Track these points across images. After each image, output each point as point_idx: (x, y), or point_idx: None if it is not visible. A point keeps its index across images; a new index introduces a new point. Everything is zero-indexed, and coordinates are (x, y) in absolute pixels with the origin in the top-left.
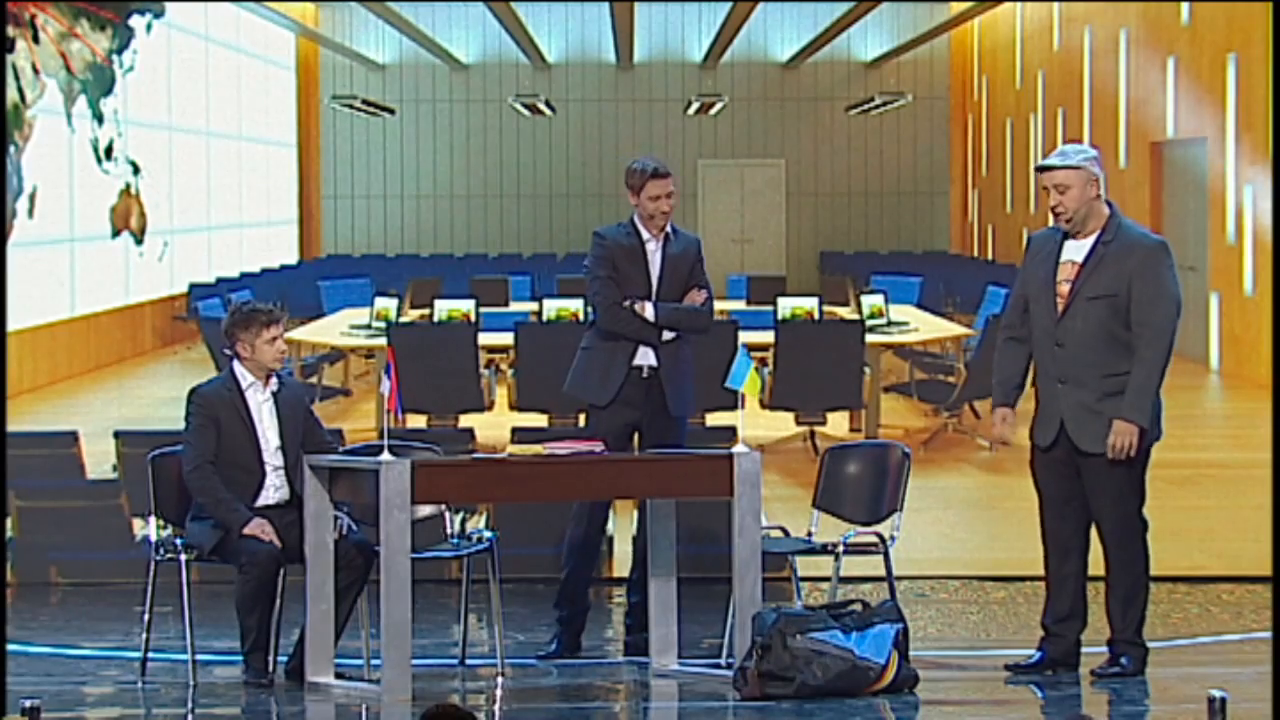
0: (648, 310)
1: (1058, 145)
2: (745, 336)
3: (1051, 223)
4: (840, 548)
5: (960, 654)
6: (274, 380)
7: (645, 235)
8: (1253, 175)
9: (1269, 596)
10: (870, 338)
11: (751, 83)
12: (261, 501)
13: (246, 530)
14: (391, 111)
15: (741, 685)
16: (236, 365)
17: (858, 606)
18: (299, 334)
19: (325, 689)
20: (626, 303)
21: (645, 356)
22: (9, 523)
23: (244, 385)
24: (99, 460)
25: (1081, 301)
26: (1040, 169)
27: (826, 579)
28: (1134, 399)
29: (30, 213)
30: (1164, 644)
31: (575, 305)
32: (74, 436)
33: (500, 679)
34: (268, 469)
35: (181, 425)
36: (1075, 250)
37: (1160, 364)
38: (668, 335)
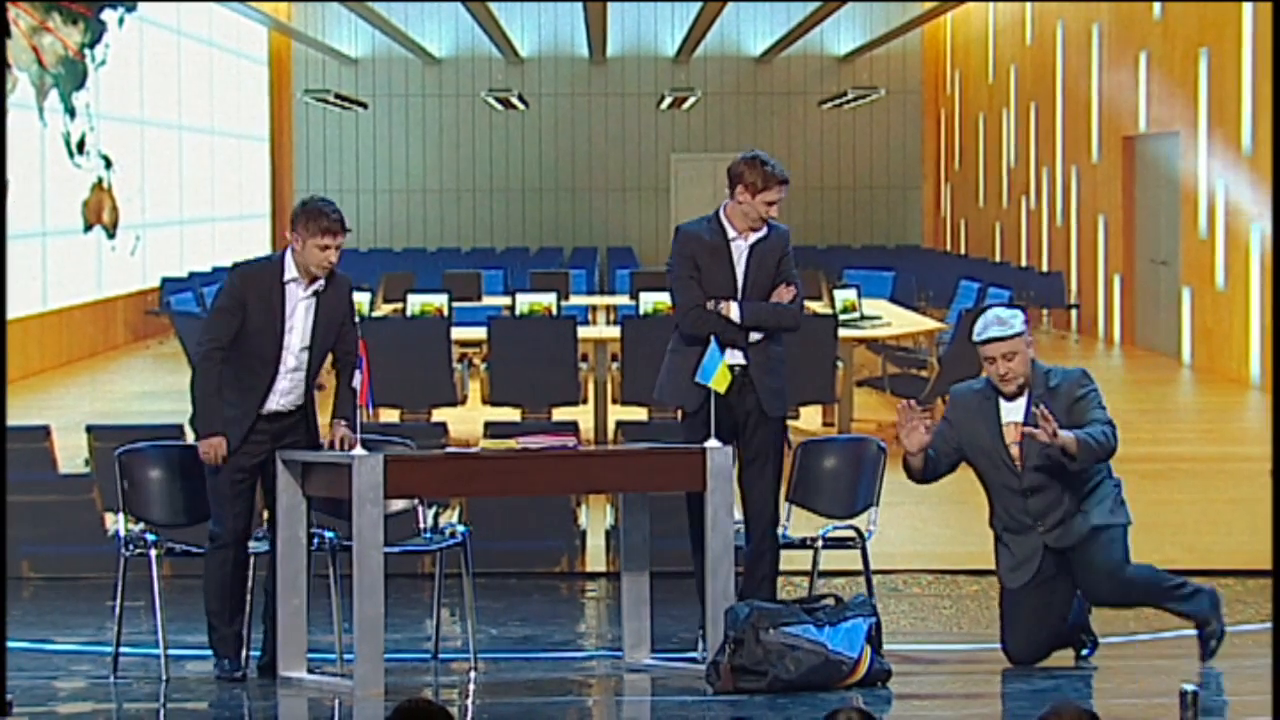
0: (733, 311)
1: (1030, 141)
2: None
3: (992, 381)
4: (819, 542)
5: (933, 648)
6: (320, 281)
7: (732, 233)
8: (1225, 170)
9: (1241, 590)
10: (843, 332)
11: (724, 77)
12: (270, 406)
13: (201, 447)
14: (364, 106)
15: (714, 680)
16: (288, 254)
17: (830, 601)
18: None
19: (298, 683)
20: (710, 304)
21: (734, 356)
22: None
23: (286, 277)
24: (71, 455)
25: (1037, 458)
26: (985, 341)
27: (799, 573)
28: (1082, 437)
29: None
30: (1136, 638)
31: (548, 299)
32: (46, 431)
33: (473, 673)
34: (283, 368)
35: (155, 420)
36: (1013, 410)
37: (1108, 449)
38: (755, 335)
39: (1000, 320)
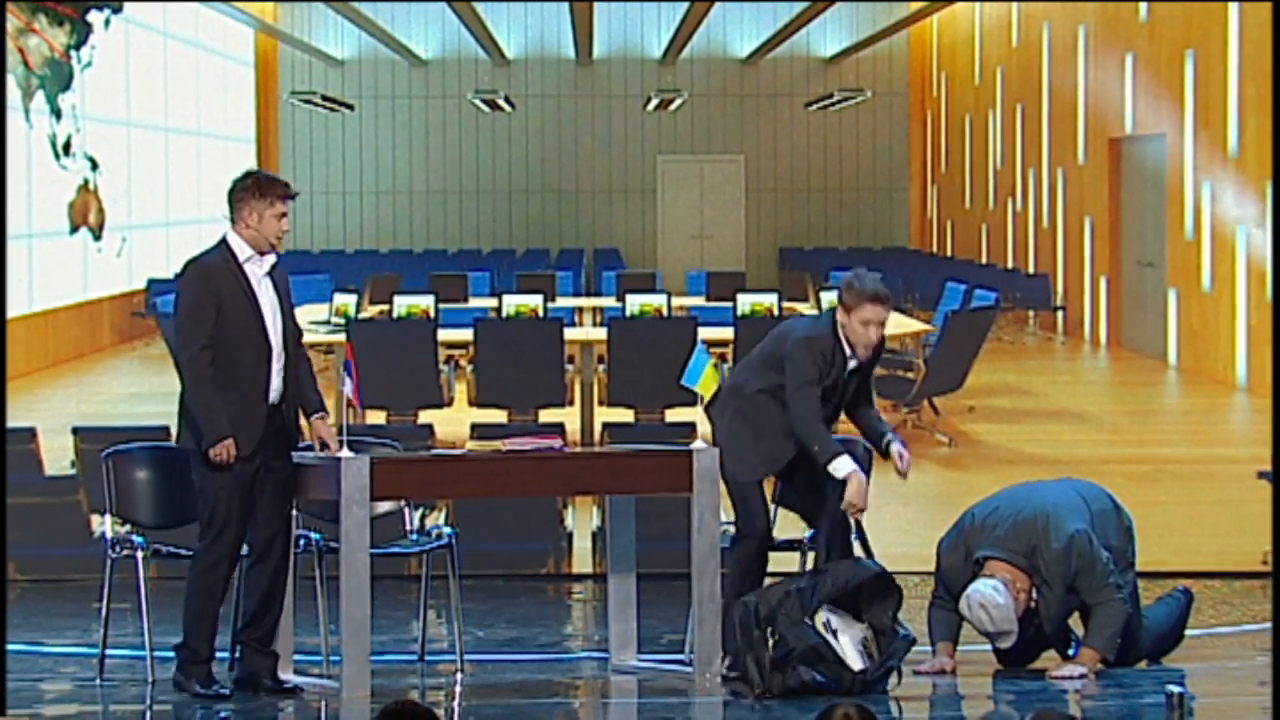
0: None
1: (1016, 143)
2: (705, 332)
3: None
4: (807, 544)
5: (920, 649)
6: (270, 256)
7: (848, 351)
8: (1211, 171)
9: (1226, 592)
10: None
11: (711, 79)
12: (271, 395)
13: (213, 452)
14: (351, 107)
15: (756, 684)
16: (232, 237)
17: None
18: None
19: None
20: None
21: None
22: None
23: (242, 258)
24: (57, 456)
25: (1048, 622)
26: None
27: (783, 574)
28: (1102, 646)
29: None
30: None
31: (534, 301)
32: (32, 433)
33: (459, 675)
34: (274, 349)
35: (142, 422)
36: None
37: (1122, 620)
38: None
39: (998, 630)
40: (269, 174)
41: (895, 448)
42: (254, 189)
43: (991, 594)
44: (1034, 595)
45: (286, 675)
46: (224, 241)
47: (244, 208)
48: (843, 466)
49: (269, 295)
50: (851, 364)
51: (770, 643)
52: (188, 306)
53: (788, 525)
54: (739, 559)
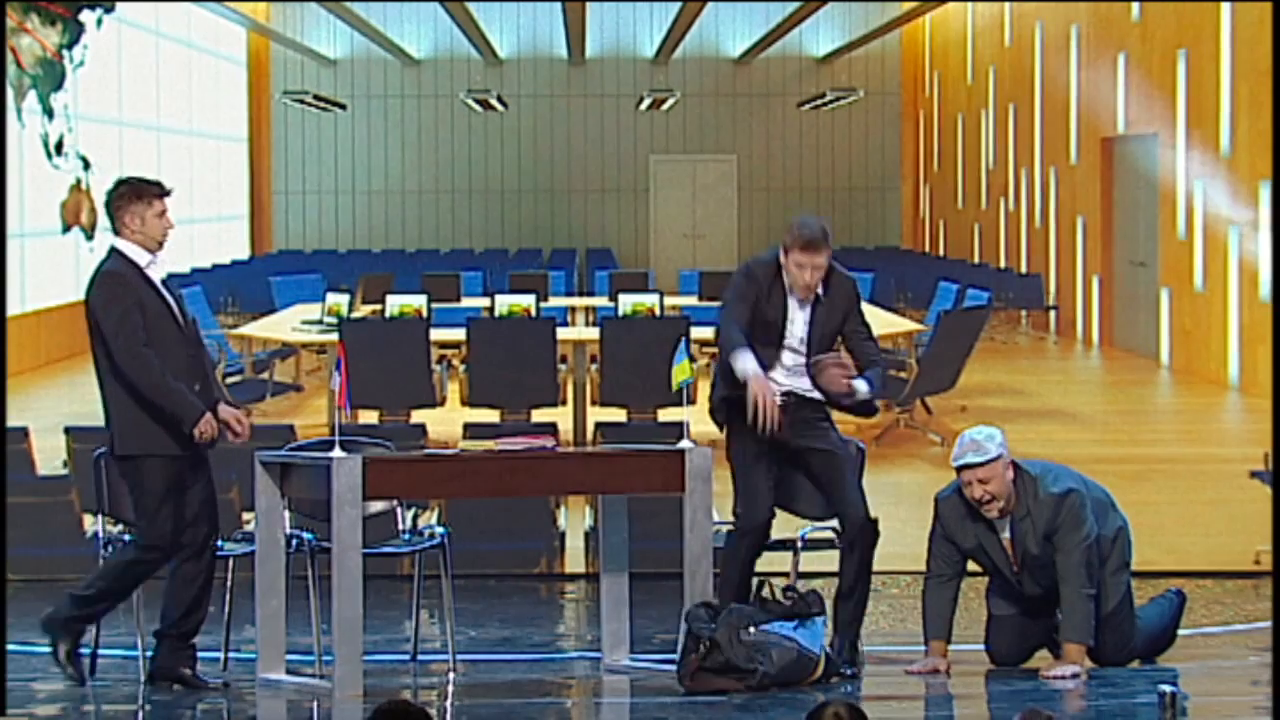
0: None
1: (1009, 143)
2: (697, 332)
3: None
4: (799, 543)
5: (911, 649)
6: (162, 260)
7: (789, 292)
8: (1203, 171)
9: (1219, 591)
10: None
11: (703, 78)
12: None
13: (199, 427)
14: (343, 107)
15: (686, 680)
16: (123, 245)
17: (789, 596)
18: (250, 329)
19: (277, 685)
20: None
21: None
22: None
23: (142, 264)
24: (49, 456)
25: (1030, 576)
26: (961, 467)
27: (777, 574)
28: (1079, 641)
29: None
30: None
31: (527, 301)
32: (24, 432)
33: (452, 674)
34: (190, 345)
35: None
36: (1000, 526)
37: (1086, 593)
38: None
39: (976, 445)
40: (141, 177)
41: (860, 385)
42: (130, 194)
43: (993, 428)
44: (1019, 506)
45: (279, 675)
46: (117, 252)
47: (124, 214)
48: (741, 363)
49: (170, 295)
50: (794, 304)
51: (705, 650)
52: (118, 316)
53: (780, 525)
54: (732, 554)
